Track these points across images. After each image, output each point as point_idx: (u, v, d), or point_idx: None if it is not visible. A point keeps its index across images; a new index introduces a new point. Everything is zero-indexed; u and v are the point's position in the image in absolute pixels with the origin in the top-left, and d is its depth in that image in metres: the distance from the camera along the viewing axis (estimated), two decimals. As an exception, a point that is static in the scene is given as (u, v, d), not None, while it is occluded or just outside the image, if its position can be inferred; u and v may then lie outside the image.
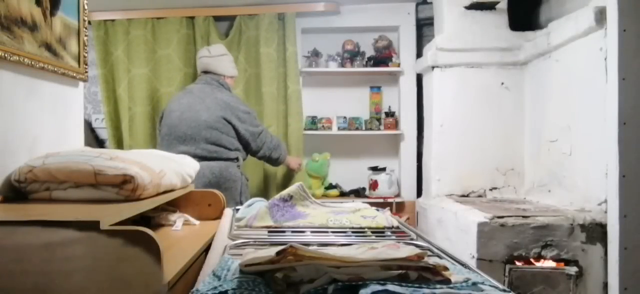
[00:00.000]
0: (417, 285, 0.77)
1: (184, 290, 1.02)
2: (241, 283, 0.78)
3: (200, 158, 2.45)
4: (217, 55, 2.81)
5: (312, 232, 1.28)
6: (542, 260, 2.03)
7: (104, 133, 3.64)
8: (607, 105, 1.95)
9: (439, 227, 2.66)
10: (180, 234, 1.48)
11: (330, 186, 3.59)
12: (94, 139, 3.72)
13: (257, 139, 2.72)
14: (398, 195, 3.57)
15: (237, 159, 2.67)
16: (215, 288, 0.78)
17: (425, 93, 3.25)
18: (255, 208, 1.49)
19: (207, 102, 2.64)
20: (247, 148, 2.74)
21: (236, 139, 2.66)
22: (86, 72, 1.68)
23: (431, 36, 3.29)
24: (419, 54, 3.42)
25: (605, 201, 1.99)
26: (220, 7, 3.47)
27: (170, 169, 1.49)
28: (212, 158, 2.60)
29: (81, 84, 1.70)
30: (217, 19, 3.55)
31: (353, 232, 1.28)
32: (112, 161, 1.25)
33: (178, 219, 1.60)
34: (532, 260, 2.04)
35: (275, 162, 2.90)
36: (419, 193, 3.41)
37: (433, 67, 2.97)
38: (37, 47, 1.38)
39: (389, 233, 1.30)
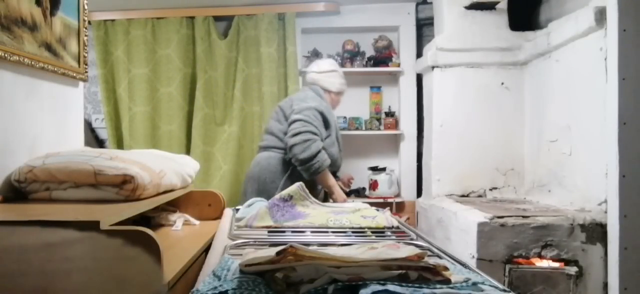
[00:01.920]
0: (417, 285, 0.77)
1: (184, 290, 1.02)
2: (241, 283, 0.78)
3: (259, 148, 2.70)
4: (327, 71, 2.81)
5: (312, 232, 1.28)
6: (542, 260, 2.03)
7: (104, 133, 3.64)
8: (607, 105, 1.95)
9: (439, 227, 2.66)
10: (180, 234, 1.48)
11: (330, 186, 3.58)
12: (94, 139, 3.72)
13: (290, 126, 2.50)
14: (398, 195, 3.57)
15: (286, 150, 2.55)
16: (215, 288, 0.78)
17: (425, 93, 3.25)
18: (255, 208, 1.49)
19: (281, 102, 2.78)
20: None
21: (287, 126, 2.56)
22: (86, 72, 1.68)
23: (431, 36, 3.29)
24: (419, 54, 3.42)
25: (605, 201, 1.99)
26: (220, 7, 3.47)
27: (170, 169, 1.49)
28: (265, 147, 2.66)
29: (81, 84, 1.70)
30: (217, 19, 3.55)
31: (353, 232, 1.28)
32: (112, 161, 1.25)
33: (178, 219, 1.60)
34: (532, 260, 2.03)
35: (302, 164, 2.46)
36: (419, 193, 3.41)
37: (433, 67, 2.97)
38: (37, 47, 1.38)
39: (389, 233, 1.30)
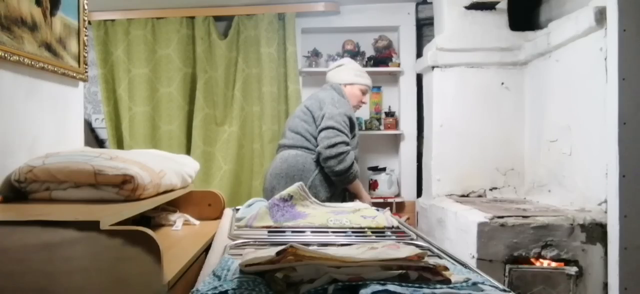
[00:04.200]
0: (417, 285, 0.77)
1: (184, 290, 1.02)
2: (241, 283, 0.78)
3: (282, 147, 2.66)
4: (334, 67, 2.90)
5: (312, 232, 1.28)
6: (542, 260, 2.03)
7: (104, 133, 3.64)
8: (607, 105, 1.95)
9: (439, 227, 2.66)
10: (180, 234, 1.48)
11: (330, 186, 3.58)
12: (94, 139, 3.72)
13: (322, 132, 2.49)
14: (398, 195, 3.57)
15: (315, 150, 2.57)
16: (215, 288, 0.78)
17: (425, 93, 3.25)
18: (255, 208, 1.49)
19: (306, 101, 2.76)
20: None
21: (316, 129, 2.58)
22: (86, 72, 1.68)
23: (431, 36, 3.29)
24: (419, 54, 3.42)
25: (605, 201, 1.99)
26: (220, 7, 3.47)
27: (170, 169, 1.49)
28: (290, 146, 2.62)
29: (81, 84, 1.70)
30: (217, 19, 3.55)
31: (353, 232, 1.28)
32: (112, 161, 1.25)
33: (178, 219, 1.60)
34: (532, 260, 2.04)
35: (337, 176, 2.51)
36: (419, 193, 3.41)
37: (433, 67, 2.97)
38: (37, 47, 1.38)
39: (389, 233, 1.30)
